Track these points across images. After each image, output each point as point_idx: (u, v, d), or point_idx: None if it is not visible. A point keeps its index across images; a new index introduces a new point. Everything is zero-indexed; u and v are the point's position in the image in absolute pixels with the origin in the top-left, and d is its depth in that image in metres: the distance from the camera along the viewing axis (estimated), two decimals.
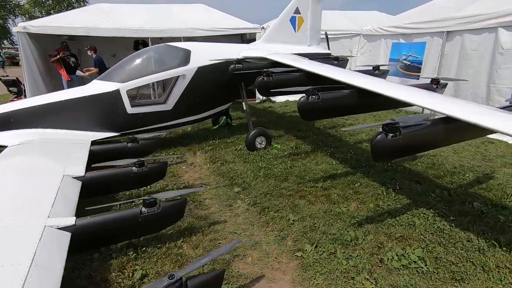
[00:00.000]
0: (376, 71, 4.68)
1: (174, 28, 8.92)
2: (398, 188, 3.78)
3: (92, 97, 4.35)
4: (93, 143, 3.99)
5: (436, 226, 2.98)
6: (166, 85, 5.02)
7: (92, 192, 3.01)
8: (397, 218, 3.13)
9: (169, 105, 4.88)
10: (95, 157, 3.61)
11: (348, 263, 2.48)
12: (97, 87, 4.47)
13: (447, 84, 4.12)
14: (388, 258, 2.52)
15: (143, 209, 2.38)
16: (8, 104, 4.39)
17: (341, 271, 2.39)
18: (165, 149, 5.32)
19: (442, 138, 2.52)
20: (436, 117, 2.53)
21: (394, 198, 3.56)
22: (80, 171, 2.98)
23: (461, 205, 3.37)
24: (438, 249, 2.63)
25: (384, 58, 9.16)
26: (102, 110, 4.41)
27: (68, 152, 3.51)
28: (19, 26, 8.16)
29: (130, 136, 3.91)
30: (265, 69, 4.16)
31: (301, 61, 4.24)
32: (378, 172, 4.27)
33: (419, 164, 4.58)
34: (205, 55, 4.94)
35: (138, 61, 4.83)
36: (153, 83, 4.82)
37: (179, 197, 2.66)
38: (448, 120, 2.37)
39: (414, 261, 2.47)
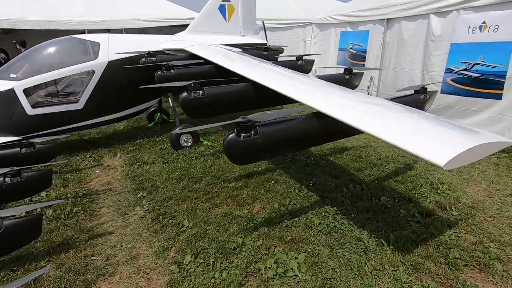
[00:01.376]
0: (299, 62, 4.48)
1: (114, 19, 8.34)
2: (311, 184, 3.63)
3: None
4: None
5: (333, 226, 2.83)
6: (75, 83, 4.59)
7: None
8: (297, 218, 2.96)
9: (79, 104, 4.45)
10: None
11: (221, 275, 2.27)
12: None
13: (362, 73, 3.98)
14: (266, 267, 2.33)
15: None
16: None
17: (208, 286, 2.18)
18: (84, 151, 4.92)
19: (310, 136, 2.32)
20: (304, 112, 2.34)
21: (303, 196, 3.40)
22: None
23: (368, 200, 3.25)
24: (324, 253, 2.47)
25: (334, 47, 9.06)
26: None
27: None
28: None
29: (24, 141, 3.51)
30: (164, 62, 3.83)
31: (210, 52, 3.95)
32: (299, 167, 4.11)
33: (345, 157, 4.46)
34: (117, 47, 4.53)
35: (38, 55, 4.35)
36: (58, 80, 4.36)
37: (34, 212, 2.34)
38: (319, 116, 2.17)
39: (291, 269, 2.29)
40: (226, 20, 5.72)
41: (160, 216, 3.09)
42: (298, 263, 2.34)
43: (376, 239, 2.60)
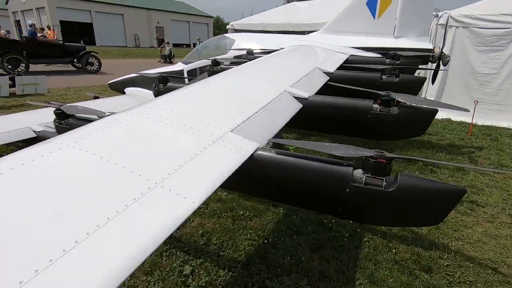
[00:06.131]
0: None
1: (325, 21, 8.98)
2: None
3: (171, 72, 6.19)
4: None
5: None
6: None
7: None
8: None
9: None
10: None
11: None
12: (177, 66, 6.24)
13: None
14: None
15: None
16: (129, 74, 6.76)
17: None
18: None
19: None
20: None
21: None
22: None
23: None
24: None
25: None
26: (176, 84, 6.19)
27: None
28: (230, 24, 11.56)
29: None
30: (214, 57, 4.10)
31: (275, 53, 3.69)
32: None
33: None
34: (244, 45, 5.26)
35: (200, 48, 6.10)
36: (204, 68, 5.87)
37: None
38: None
39: None
40: (374, 17, 4.69)
41: None
42: None
43: None
